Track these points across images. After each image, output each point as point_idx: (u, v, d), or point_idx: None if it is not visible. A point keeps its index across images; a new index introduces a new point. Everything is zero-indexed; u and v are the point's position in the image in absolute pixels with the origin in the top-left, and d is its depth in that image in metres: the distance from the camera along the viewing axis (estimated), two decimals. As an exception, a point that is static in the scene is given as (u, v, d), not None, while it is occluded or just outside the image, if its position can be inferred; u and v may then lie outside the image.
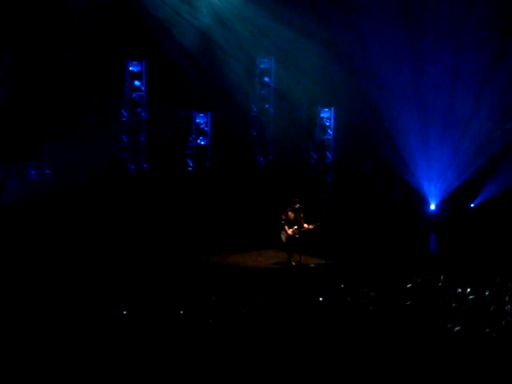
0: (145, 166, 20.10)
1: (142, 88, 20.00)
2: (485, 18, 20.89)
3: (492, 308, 11.09)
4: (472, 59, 21.24)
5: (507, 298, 11.84)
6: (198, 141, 20.79)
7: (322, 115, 22.14)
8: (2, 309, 11.15)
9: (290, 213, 17.98)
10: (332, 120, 22.13)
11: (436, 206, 22.34)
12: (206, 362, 9.39)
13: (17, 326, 9.99)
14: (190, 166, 20.70)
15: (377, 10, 20.81)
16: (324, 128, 22.14)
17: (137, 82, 19.94)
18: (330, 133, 22.16)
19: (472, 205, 22.13)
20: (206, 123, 20.83)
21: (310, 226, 17.99)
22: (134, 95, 19.97)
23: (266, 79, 21.47)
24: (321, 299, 12.01)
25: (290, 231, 17.89)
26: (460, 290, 12.72)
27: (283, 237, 18.08)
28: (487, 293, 12.14)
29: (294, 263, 17.85)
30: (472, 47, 21.19)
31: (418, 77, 21.57)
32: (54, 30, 17.98)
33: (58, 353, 9.32)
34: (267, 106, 21.55)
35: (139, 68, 19.91)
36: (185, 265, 17.35)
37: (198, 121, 20.77)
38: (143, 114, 20.08)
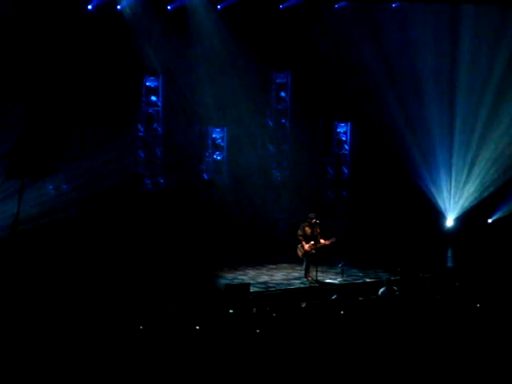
0: (161, 180, 20.14)
1: (159, 103, 20.07)
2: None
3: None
4: (490, 71, 21.21)
5: None
6: (214, 155, 20.80)
7: (338, 130, 22.12)
8: (20, 323, 11.16)
9: (306, 228, 17.96)
10: (348, 135, 22.10)
11: (453, 221, 22.23)
12: (220, 377, 9.36)
13: (30, 346, 9.98)
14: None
15: (396, 25, 20.81)
16: (340, 143, 22.11)
17: (153, 98, 20.02)
18: (347, 148, 22.12)
19: (489, 220, 22.02)
20: (221, 138, 20.86)
21: (327, 242, 17.97)
22: (150, 110, 20.04)
23: (283, 94, 21.47)
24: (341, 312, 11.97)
25: (306, 246, 17.86)
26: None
27: (300, 252, 18.05)
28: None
29: (310, 278, 17.82)
30: (488, 59, 21.15)
31: (437, 92, 21.51)
32: (70, 44, 18.09)
33: (72, 369, 9.32)
34: (283, 120, 21.54)
35: (156, 83, 19.99)
36: (200, 280, 17.35)
37: (214, 136, 20.81)
38: (159, 129, 20.13)
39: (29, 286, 15.01)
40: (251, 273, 18.82)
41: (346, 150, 22.14)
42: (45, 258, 16.93)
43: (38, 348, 9.74)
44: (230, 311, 11.97)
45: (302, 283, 17.74)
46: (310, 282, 17.72)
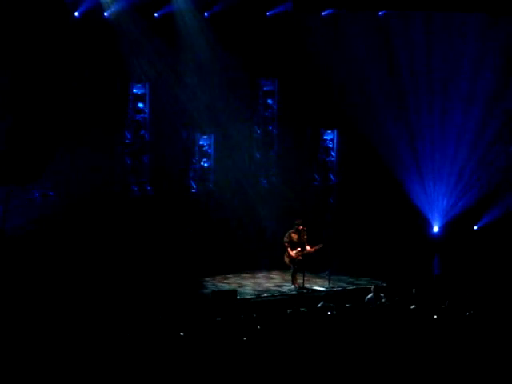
0: (148, 187, 20.10)
1: (146, 110, 20.03)
2: (488, 42, 21.00)
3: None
4: (478, 82, 21.29)
5: None
6: (202, 162, 20.79)
7: (325, 137, 22.16)
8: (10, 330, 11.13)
9: (293, 234, 17.98)
10: (335, 142, 22.15)
11: (439, 228, 22.28)
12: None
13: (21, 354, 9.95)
14: (194, 188, 20.70)
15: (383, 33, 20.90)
16: (327, 150, 22.15)
17: (140, 104, 19.99)
18: (333, 155, 22.17)
19: (475, 227, 22.08)
20: (209, 145, 20.85)
21: (313, 248, 17.99)
22: (137, 117, 20.01)
23: (270, 101, 21.50)
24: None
25: (293, 253, 17.87)
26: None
27: (286, 259, 18.06)
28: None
29: (296, 285, 17.83)
30: (476, 69, 21.25)
31: (423, 99, 21.58)
32: (57, 51, 18.04)
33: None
34: (270, 127, 21.57)
35: (143, 90, 19.96)
36: (186, 287, 17.34)
37: (201, 143, 20.79)
38: (147, 135, 20.10)
39: (15, 295, 14.97)
40: (238, 280, 18.83)
41: (332, 157, 22.18)
42: (31, 266, 16.88)
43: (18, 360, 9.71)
44: (218, 319, 11.97)
45: (288, 290, 17.75)
46: (297, 289, 17.74)
